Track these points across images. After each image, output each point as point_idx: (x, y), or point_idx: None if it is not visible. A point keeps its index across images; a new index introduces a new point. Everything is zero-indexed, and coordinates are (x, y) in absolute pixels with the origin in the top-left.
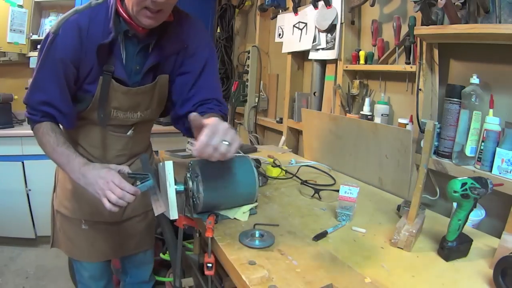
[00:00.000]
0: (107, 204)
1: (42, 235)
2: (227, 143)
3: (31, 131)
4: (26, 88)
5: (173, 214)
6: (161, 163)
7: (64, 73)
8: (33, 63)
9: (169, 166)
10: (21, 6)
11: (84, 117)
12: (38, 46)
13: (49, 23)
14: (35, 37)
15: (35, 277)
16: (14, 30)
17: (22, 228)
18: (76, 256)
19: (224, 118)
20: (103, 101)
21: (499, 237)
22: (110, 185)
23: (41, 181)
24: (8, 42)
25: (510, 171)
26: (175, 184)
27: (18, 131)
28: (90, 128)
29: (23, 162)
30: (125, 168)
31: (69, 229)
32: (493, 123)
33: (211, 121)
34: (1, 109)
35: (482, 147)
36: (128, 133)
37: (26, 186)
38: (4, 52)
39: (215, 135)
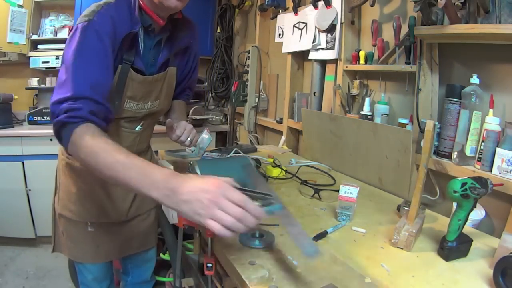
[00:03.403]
0: (217, 228)
1: (42, 235)
2: (189, 139)
3: (31, 131)
4: (27, 88)
5: (174, 219)
6: (160, 162)
7: (105, 57)
8: (33, 63)
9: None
10: (21, 6)
11: None
12: (36, 46)
13: (49, 23)
14: (35, 37)
15: (35, 277)
16: (14, 30)
17: (22, 228)
18: (81, 259)
19: (187, 103)
20: (120, 89)
21: (499, 237)
22: (222, 203)
23: (41, 181)
24: (8, 42)
25: (510, 171)
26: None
27: (18, 131)
28: None
29: (23, 162)
30: (230, 180)
31: (74, 232)
32: (493, 123)
33: (182, 124)
34: (1, 109)
35: (482, 147)
36: (137, 129)
37: (26, 186)
38: (4, 52)
39: (183, 133)
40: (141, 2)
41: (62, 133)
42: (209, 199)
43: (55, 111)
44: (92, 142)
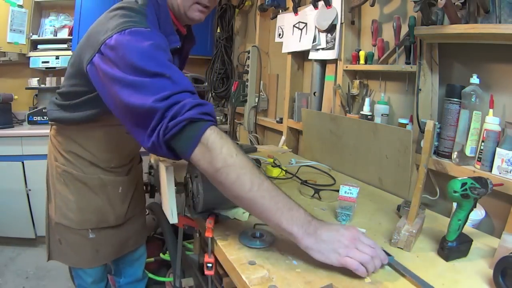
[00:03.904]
0: (355, 264)
1: (42, 235)
2: None
3: (31, 131)
4: (27, 88)
5: (174, 219)
6: (160, 163)
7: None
8: (33, 63)
9: (169, 171)
10: (21, 6)
11: (111, 118)
12: (36, 46)
13: (49, 23)
14: (35, 37)
15: (35, 277)
16: (14, 30)
17: (22, 228)
18: (81, 265)
19: None
20: None
21: (499, 237)
22: (359, 244)
23: (41, 181)
24: (8, 42)
25: (510, 171)
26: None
27: (18, 131)
28: (109, 130)
29: (23, 162)
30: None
31: (73, 240)
32: (493, 123)
33: None
34: (1, 109)
35: (482, 147)
36: None
37: (26, 186)
38: (4, 52)
39: None
40: (170, 11)
41: (183, 134)
42: (349, 240)
43: (164, 110)
44: (238, 153)
